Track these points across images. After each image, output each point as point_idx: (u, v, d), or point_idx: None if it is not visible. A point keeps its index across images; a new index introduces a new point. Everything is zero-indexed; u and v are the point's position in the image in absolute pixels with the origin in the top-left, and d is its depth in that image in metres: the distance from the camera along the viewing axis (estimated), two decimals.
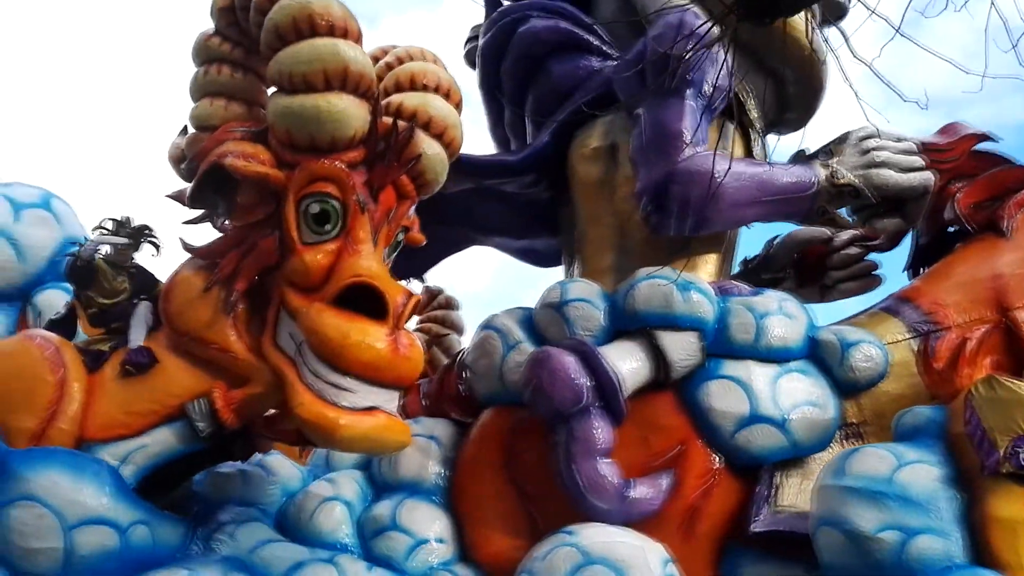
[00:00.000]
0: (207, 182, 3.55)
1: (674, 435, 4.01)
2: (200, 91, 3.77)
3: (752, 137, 5.04)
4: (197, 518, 3.95)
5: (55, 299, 4.77)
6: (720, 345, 4.08)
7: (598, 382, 3.83)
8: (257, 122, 3.71)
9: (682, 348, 4.02)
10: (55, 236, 4.91)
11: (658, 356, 4.01)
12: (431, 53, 4.01)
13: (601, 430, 3.81)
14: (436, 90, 3.80)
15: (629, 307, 4.07)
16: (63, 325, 4.24)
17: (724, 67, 3.33)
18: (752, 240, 5.50)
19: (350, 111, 3.44)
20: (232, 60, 3.77)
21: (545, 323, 4.24)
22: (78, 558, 3.27)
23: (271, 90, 3.61)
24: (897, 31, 2.69)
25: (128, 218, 4.28)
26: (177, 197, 3.84)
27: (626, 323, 4.10)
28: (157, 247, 4.27)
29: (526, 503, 4.07)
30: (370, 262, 3.46)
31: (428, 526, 4.03)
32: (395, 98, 3.71)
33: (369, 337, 3.28)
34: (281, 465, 4.34)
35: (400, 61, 3.91)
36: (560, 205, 5.56)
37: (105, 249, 4.16)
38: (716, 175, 3.73)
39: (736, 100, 4.65)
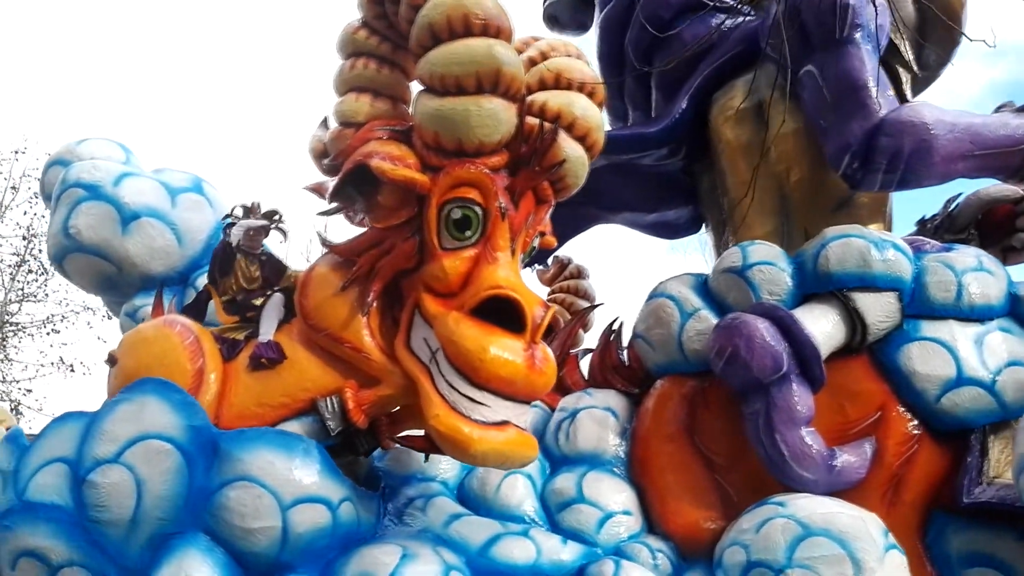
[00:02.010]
0: (350, 180, 3.45)
1: (872, 401, 3.83)
2: (345, 85, 3.64)
3: (903, 80, 4.75)
4: (385, 494, 3.96)
5: None
6: (918, 305, 3.87)
7: (796, 348, 3.67)
8: (401, 120, 3.58)
9: (880, 310, 3.82)
10: (209, 220, 4.90)
11: (853, 319, 3.82)
12: (575, 47, 3.84)
13: (802, 398, 3.65)
14: (581, 89, 3.63)
15: (821, 268, 3.87)
16: (195, 310, 4.25)
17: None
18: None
19: (500, 115, 3.30)
20: (379, 55, 3.62)
21: (725, 289, 4.08)
22: (294, 536, 3.27)
23: (418, 88, 3.47)
24: None
25: (257, 203, 4.20)
26: (316, 190, 3.76)
27: (816, 285, 3.91)
28: (285, 233, 4.19)
29: (714, 473, 3.96)
30: (508, 271, 3.35)
31: (613, 498, 3.96)
32: (539, 97, 3.55)
33: (507, 351, 3.17)
34: None
35: (544, 56, 3.74)
36: (699, 173, 5.38)
37: (239, 235, 4.09)
38: (929, 126, 3.47)
39: (889, 41, 4.38)
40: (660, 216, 5.51)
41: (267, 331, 3.76)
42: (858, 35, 4.21)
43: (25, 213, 17.25)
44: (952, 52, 4.90)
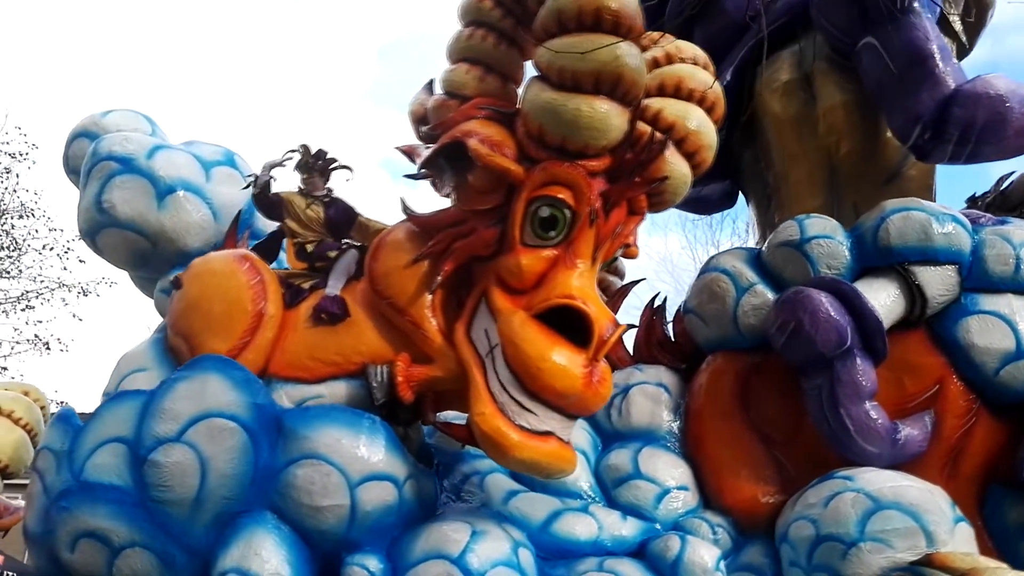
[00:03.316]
0: (444, 154, 3.34)
1: (930, 374, 3.83)
2: (459, 54, 3.50)
3: (953, 50, 4.71)
4: (440, 470, 3.92)
5: None
6: (976, 278, 3.86)
7: (860, 322, 3.64)
8: (508, 101, 3.45)
9: (940, 283, 3.80)
10: (243, 194, 4.75)
11: (912, 293, 3.81)
12: (703, 55, 3.66)
13: (865, 372, 3.63)
14: (700, 102, 3.48)
15: (882, 242, 3.84)
16: (267, 249, 4.19)
17: None
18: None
19: (611, 120, 3.16)
20: (499, 29, 3.47)
21: (781, 263, 4.04)
22: (362, 514, 3.21)
23: (533, 73, 3.33)
24: None
25: (305, 146, 4.16)
26: (407, 152, 3.67)
27: (876, 259, 3.88)
28: (350, 169, 4.14)
29: (770, 448, 3.95)
30: (584, 282, 3.26)
31: (670, 473, 3.95)
32: (655, 103, 3.39)
33: (567, 365, 3.11)
34: None
35: (669, 59, 3.57)
36: (740, 146, 5.32)
37: (271, 176, 4.03)
38: (1005, 98, 3.43)
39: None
40: (699, 191, 5.43)
41: (335, 286, 3.71)
42: (917, 4, 4.15)
43: None
44: (986, 19, 4.87)
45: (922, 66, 3.95)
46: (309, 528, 3.23)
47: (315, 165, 4.13)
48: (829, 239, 3.94)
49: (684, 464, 4.02)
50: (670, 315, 4.62)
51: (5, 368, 16.63)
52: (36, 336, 16.78)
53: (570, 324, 3.17)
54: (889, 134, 4.38)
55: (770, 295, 4.00)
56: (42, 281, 16.95)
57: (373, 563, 3.21)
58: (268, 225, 4.64)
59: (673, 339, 4.57)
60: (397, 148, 3.73)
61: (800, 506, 3.51)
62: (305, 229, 4.05)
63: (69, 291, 16.89)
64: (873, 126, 4.41)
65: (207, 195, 4.58)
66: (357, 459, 3.23)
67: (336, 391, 3.51)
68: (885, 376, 3.78)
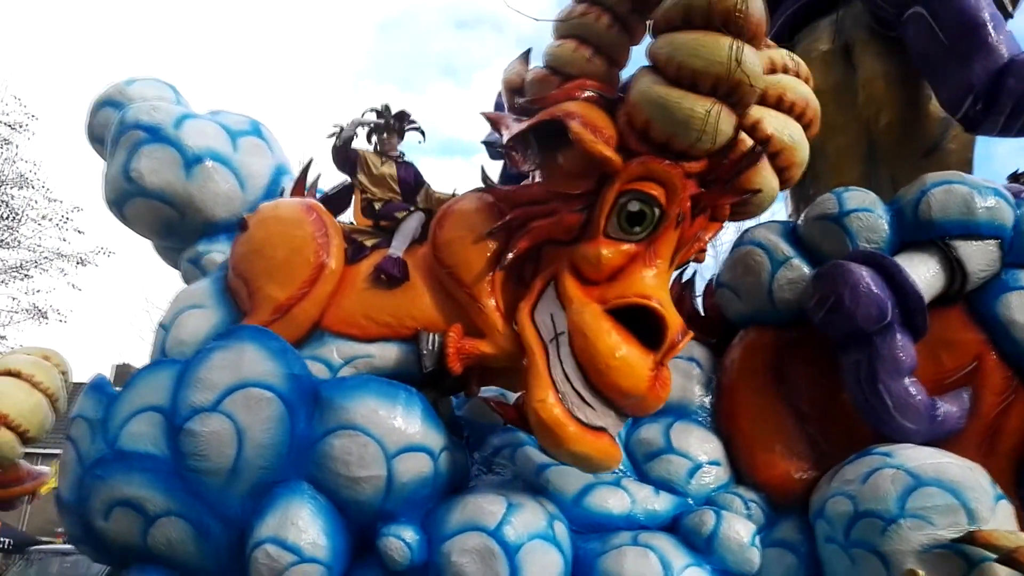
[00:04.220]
0: (538, 129, 3.25)
1: (968, 350, 3.77)
2: (569, 30, 3.37)
3: None
4: (470, 442, 3.91)
5: None
6: (1018, 254, 3.79)
7: (900, 297, 3.58)
8: (611, 86, 3.34)
9: (981, 258, 3.73)
10: (270, 164, 4.70)
11: (953, 267, 3.74)
12: (805, 68, 3.57)
13: (905, 347, 3.58)
14: (799, 117, 3.40)
15: (923, 215, 3.76)
16: (336, 202, 4.19)
17: None
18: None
19: (722, 125, 3.06)
20: (615, 11, 3.33)
21: (819, 236, 3.97)
22: (399, 485, 3.20)
23: (645, 63, 3.20)
24: None
25: (387, 106, 4.18)
26: (493, 120, 3.56)
27: (916, 233, 3.81)
28: (423, 132, 4.16)
29: (803, 424, 3.91)
30: (659, 282, 3.22)
31: (702, 448, 3.92)
32: (755, 111, 3.29)
33: (636, 365, 3.07)
34: None
35: (772, 68, 3.47)
36: None
37: (357, 132, 4.07)
38: None
39: None
40: None
41: (398, 247, 3.71)
42: None
43: None
44: None
45: (975, 35, 3.84)
46: (345, 498, 3.22)
47: (393, 126, 4.16)
48: (868, 212, 3.87)
49: (715, 439, 3.99)
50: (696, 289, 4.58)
51: (3, 337, 16.81)
52: (34, 306, 16.93)
53: (637, 322, 3.12)
54: (931, 106, 4.28)
55: (806, 269, 3.94)
56: (40, 251, 17.04)
57: (409, 534, 3.20)
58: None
59: (703, 313, 4.53)
60: (483, 114, 3.65)
61: (837, 482, 3.47)
62: (377, 187, 4.07)
63: (67, 261, 16.97)
64: (914, 98, 4.31)
65: (235, 165, 4.53)
66: (394, 430, 3.21)
67: (386, 353, 3.50)
68: (922, 352, 3.72)
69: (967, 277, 3.74)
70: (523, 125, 3.26)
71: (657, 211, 3.18)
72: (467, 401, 4.14)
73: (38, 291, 17.03)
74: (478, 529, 3.16)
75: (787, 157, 3.34)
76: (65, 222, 16.95)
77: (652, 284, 3.19)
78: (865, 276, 3.58)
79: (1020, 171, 4.90)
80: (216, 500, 3.25)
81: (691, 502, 3.74)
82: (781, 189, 3.44)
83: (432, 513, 3.31)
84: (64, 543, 11.60)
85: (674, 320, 3.14)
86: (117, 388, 3.56)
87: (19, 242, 16.88)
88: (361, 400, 3.24)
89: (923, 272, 3.72)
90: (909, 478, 3.26)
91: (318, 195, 4.27)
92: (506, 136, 3.36)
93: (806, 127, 3.42)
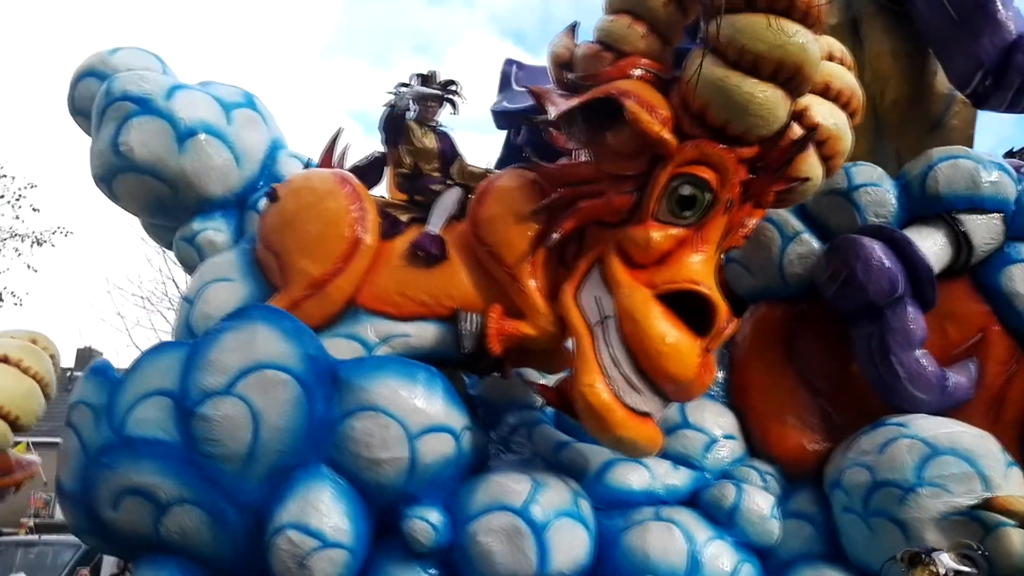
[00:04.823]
0: (591, 106, 3.14)
1: (973, 322, 3.85)
2: (623, 5, 3.25)
3: None
4: (486, 422, 3.85)
5: None
6: (1020, 227, 3.87)
7: (910, 270, 3.63)
8: (664, 66, 3.24)
9: (986, 232, 3.80)
10: (265, 137, 4.50)
11: (959, 241, 3.80)
12: (850, 57, 3.52)
13: (916, 320, 3.63)
14: (845, 106, 3.36)
15: (930, 190, 3.81)
16: (370, 174, 4.05)
17: None
18: None
19: (779, 112, 3.00)
20: None
21: (827, 211, 3.99)
22: (421, 466, 3.14)
23: (703, 44, 3.09)
24: None
25: (434, 72, 4.04)
26: (538, 95, 3.42)
27: (923, 207, 3.85)
28: (455, 105, 4.03)
29: (815, 396, 3.95)
30: (707, 268, 3.20)
31: (717, 422, 3.92)
32: (803, 99, 3.21)
33: (686, 352, 3.06)
34: None
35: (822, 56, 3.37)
36: None
37: (409, 102, 3.93)
38: None
39: None
40: None
41: (436, 224, 3.60)
42: None
43: None
44: None
45: (984, 10, 3.87)
46: (367, 481, 3.15)
47: (440, 95, 4.00)
48: (877, 187, 3.90)
49: (729, 413, 4.00)
50: None
51: None
52: None
53: (688, 310, 3.09)
54: (935, 82, 4.33)
55: (816, 244, 3.96)
56: None
57: (434, 516, 3.15)
58: (287, 170, 4.45)
59: None
60: (529, 88, 3.53)
61: (854, 453, 3.52)
62: (419, 159, 3.93)
63: (22, 241, 16.22)
64: (919, 74, 4.34)
65: (229, 138, 4.33)
66: (416, 410, 3.15)
67: (423, 332, 3.42)
68: (929, 324, 3.77)
69: (973, 250, 3.80)
70: (574, 102, 3.16)
71: (708, 196, 3.13)
72: (482, 380, 4.08)
73: None
74: (504, 508, 3.13)
75: (832, 146, 3.32)
76: (18, 199, 16.21)
77: (700, 269, 3.16)
78: (877, 250, 3.61)
79: (1016, 148, 5.01)
80: (232, 486, 3.15)
81: (708, 476, 3.75)
82: (825, 177, 3.42)
83: (455, 494, 3.26)
84: (27, 534, 11.24)
85: (722, 306, 3.12)
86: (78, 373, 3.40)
87: None
88: (381, 380, 3.16)
89: (931, 245, 3.77)
90: (925, 447, 3.32)
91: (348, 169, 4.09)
92: (553, 112, 3.25)
93: (850, 116, 3.40)
